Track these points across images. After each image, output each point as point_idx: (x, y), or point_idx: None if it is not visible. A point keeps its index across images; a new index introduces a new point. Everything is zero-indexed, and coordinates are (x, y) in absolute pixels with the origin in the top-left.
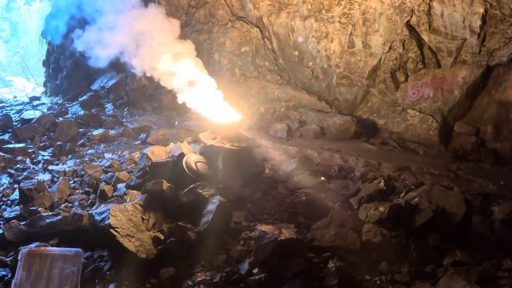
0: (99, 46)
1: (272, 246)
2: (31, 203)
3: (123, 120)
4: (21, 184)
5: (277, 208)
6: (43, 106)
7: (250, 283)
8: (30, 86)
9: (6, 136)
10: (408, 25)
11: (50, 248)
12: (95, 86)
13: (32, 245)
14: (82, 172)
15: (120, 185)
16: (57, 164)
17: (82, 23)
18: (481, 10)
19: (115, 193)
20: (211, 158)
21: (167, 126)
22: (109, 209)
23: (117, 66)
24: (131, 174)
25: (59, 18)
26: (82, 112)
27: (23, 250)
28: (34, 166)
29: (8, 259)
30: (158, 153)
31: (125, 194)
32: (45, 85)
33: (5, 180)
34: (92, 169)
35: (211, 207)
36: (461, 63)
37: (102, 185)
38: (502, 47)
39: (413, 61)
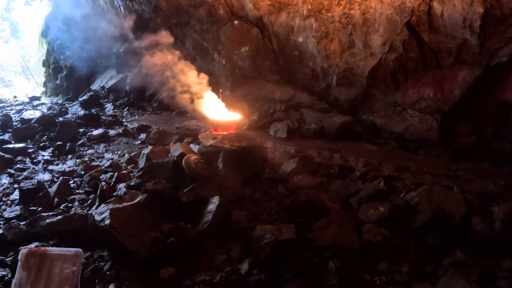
0: None
1: (272, 246)
2: (31, 203)
3: (123, 120)
4: (21, 184)
5: (277, 208)
6: (43, 106)
7: (250, 283)
8: (30, 86)
9: (6, 136)
10: (408, 25)
11: (50, 248)
12: (95, 86)
13: (32, 245)
14: (82, 172)
15: (120, 185)
16: (57, 164)
17: None
18: (481, 10)
19: (115, 193)
20: (211, 158)
21: (167, 126)
22: (109, 209)
23: (117, 66)
24: (131, 174)
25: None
26: (82, 112)
27: (23, 250)
28: (34, 166)
29: (8, 259)
30: (158, 153)
31: (125, 194)
32: (45, 85)
33: (5, 180)
34: (92, 169)
35: (211, 207)
36: (461, 63)
37: (102, 185)
38: (502, 47)
39: (413, 61)
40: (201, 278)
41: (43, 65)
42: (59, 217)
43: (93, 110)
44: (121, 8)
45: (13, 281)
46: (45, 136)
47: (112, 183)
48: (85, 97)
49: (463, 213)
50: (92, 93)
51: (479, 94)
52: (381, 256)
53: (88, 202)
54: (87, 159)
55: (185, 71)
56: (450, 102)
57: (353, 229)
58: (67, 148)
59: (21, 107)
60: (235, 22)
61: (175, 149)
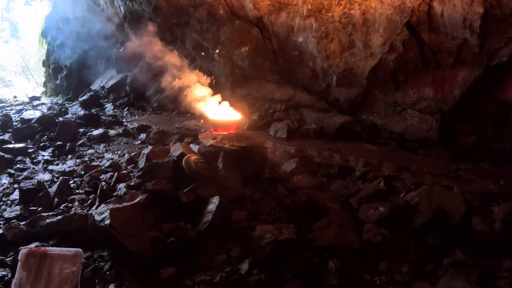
0: None
1: (272, 246)
2: (31, 203)
3: (123, 120)
4: (21, 184)
5: (277, 208)
6: (43, 106)
7: (250, 283)
8: (30, 86)
9: (6, 136)
10: (408, 25)
11: (50, 248)
12: (95, 86)
13: (32, 245)
14: (82, 172)
15: (120, 185)
16: (57, 164)
17: None
18: (481, 10)
19: (115, 193)
20: (211, 158)
21: (167, 126)
22: (109, 209)
23: (117, 66)
24: (131, 174)
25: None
26: (82, 112)
27: (23, 250)
28: (34, 166)
29: (8, 259)
30: (158, 153)
31: (125, 194)
32: (45, 85)
33: (5, 180)
34: (92, 169)
35: (211, 207)
36: (461, 63)
37: (102, 185)
38: (502, 47)
39: (413, 61)
40: (201, 278)
41: (43, 65)
42: (59, 217)
43: (93, 110)
44: (121, 8)
45: (13, 281)
46: (45, 136)
47: (112, 183)
48: (85, 97)
49: (463, 213)
50: (92, 93)
51: (479, 94)
52: (381, 256)
53: (88, 202)
54: (87, 159)
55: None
56: (450, 102)
57: (353, 229)
58: (67, 148)
59: (21, 107)
60: (235, 22)
61: (175, 149)
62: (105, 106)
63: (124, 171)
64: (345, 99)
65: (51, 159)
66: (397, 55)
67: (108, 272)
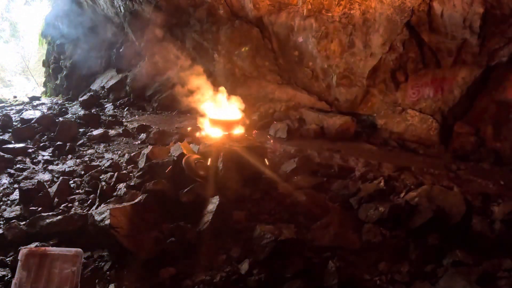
0: None
1: (272, 246)
2: (31, 203)
3: (123, 120)
4: (21, 184)
5: (277, 208)
6: (43, 106)
7: (250, 283)
8: (30, 86)
9: (6, 136)
10: (408, 25)
11: (50, 248)
12: (95, 86)
13: (32, 245)
14: (82, 172)
15: (120, 185)
16: (57, 164)
17: None
18: (481, 10)
19: (115, 193)
20: (212, 158)
21: (167, 126)
22: (109, 209)
23: (117, 66)
24: (131, 174)
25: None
26: (82, 112)
27: (23, 250)
28: (34, 166)
29: (8, 259)
30: (158, 153)
31: (125, 194)
32: (45, 85)
33: (5, 180)
34: (92, 169)
35: (211, 207)
36: (461, 63)
37: (102, 185)
38: (502, 47)
39: (413, 61)
40: (201, 278)
41: (43, 65)
42: (59, 217)
43: (93, 110)
44: (121, 8)
45: (13, 281)
46: (45, 136)
47: (112, 183)
48: (85, 97)
49: (463, 213)
50: (92, 93)
51: (479, 94)
52: (381, 256)
53: (88, 202)
54: (87, 159)
55: None
56: (450, 102)
57: (353, 229)
58: (67, 148)
59: (21, 107)
60: (235, 22)
61: (175, 149)
62: (105, 106)
63: (124, 171)
64: (345, 99)
65: (51, 159)
66: (397, 55)
67: (108, 272)
